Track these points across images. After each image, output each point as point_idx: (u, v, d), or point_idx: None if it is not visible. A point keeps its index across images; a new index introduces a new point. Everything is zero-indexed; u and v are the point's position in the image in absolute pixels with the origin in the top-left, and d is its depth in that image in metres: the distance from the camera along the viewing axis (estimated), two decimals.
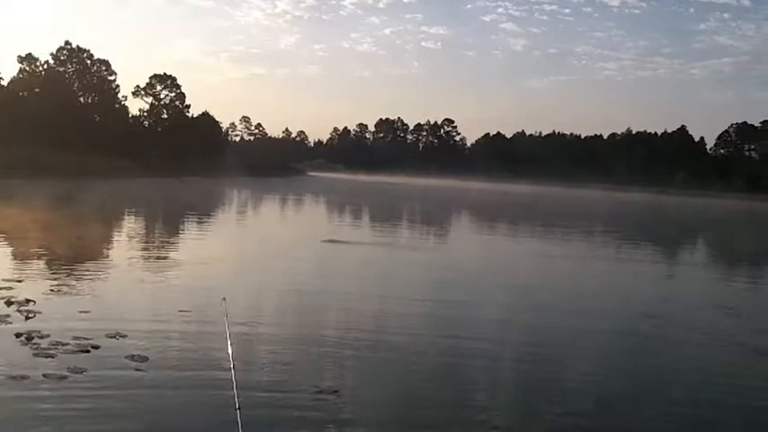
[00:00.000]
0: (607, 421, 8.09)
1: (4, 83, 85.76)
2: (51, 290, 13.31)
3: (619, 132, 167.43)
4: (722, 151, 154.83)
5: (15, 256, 18.41)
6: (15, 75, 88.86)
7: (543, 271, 21.52)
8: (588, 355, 11.08)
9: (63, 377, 8.14)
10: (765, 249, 37.41)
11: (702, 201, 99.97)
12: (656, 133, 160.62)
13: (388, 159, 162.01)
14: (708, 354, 11.76)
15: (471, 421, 7.76)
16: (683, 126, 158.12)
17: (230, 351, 5.78)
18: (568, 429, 7.71)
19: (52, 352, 9.06)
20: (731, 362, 11.22)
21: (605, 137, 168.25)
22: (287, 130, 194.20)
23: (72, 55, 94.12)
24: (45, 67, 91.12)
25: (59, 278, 14.83)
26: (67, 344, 9.43)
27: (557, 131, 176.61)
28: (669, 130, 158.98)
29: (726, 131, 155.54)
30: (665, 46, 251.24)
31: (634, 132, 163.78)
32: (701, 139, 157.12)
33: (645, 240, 36.63)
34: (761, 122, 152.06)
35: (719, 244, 39.89)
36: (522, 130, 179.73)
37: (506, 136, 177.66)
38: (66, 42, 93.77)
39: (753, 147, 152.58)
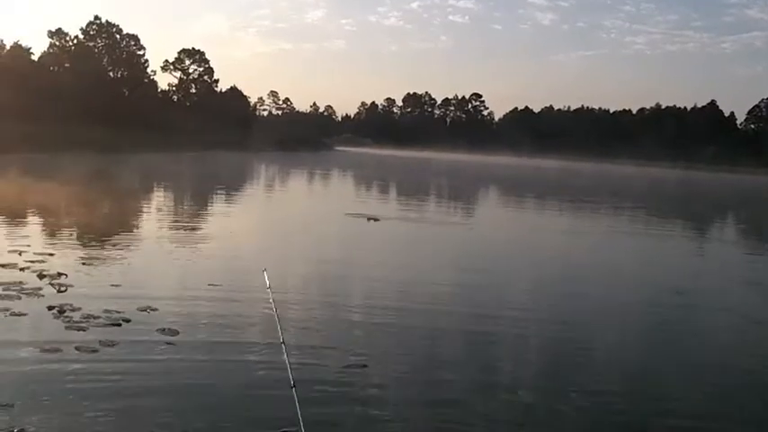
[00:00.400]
0: (634, 400, 8.04)
1: (35, 57, 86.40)
2: (83, 263, 13.46)
3: (648, 107, 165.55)
4: (753, 126, 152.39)
5: (47, 229, 18.63)
6: (46, 50, 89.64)
7: (571, 246, 21.41)
8: (615, 332, 11.02)
9: (94, 350, 8.24)
10: None
11: (733, 176, 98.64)
12: (685, 108, 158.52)
13: (416, 134, 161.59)
14: (737, 331, 11.64)
15: (498, 399, 7.75)
16: (712, 101, 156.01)
17: (279, 332, 5.74)
18: (595, 407, 7.68)
19: (84, 325, 9.18)
20: (762, 340, 11.11)
21: (634, 112, 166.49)
22: (314, 104, 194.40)
23: (101, 30, 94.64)
24: (75, 41, 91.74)
25: (91, 251, 15.01)
26: (99, 317, 9.54)
27: (585, 106, 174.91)
28: (699, 105, 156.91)
29: (756, 106, 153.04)
30: (694, 20, 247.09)
31: (663, 107, 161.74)
32: (732, 114, 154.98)
33: (674, 216, 36.27)
34: None
35: (750, 220, 39.37)
36: (551, 105, 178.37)
37: (534, 111, 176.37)
38: (96, 17, 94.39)
39: None
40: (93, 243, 16.27)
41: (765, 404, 8.24)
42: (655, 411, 7.57)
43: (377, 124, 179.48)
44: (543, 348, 9.99)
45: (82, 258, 13.96)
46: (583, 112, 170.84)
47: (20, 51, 79.98)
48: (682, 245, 24.28)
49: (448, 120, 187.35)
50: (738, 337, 11.29)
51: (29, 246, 14.64)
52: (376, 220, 23.76)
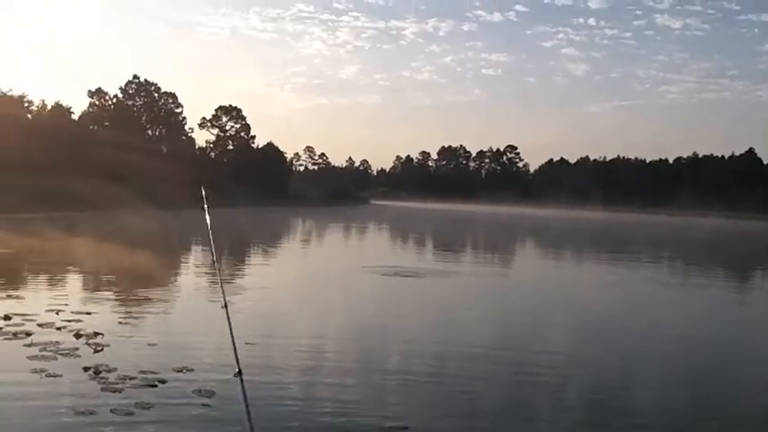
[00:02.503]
0: None
1: (75, 117, 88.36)
2: (119, 322, 13.42)
3: (685, 156, 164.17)
4: None
5: (86, 287, 18.70)
6: (86, 109, 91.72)
7: (610, 297, 20.96)
8: (653, 384, 10.62)
9: (129, 413, 8.09)
10: None
11: None
12: (722, 157, 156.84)
13: (451, 187, 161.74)
14: None
15: None
16: (750, 149, 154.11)
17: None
18: None
19: (119, 386, 9.05)
20: None
21: (671, 161, 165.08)
22: (350, 158, 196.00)
23: (140, 88, 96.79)
24: (114, 101, 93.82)
25: (129, 309, 14.98)
26: (134, 377, 9.42)
27: (621, 156, 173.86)
28: (737, 153, 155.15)
29: None
30: (729, 68, 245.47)
31: (700, 156, 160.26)
32: None
33: (715, 266, 35.50)
34: None
35: None
36: (587, 156, 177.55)
37: (570, 161, 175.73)
38: (135, 76, 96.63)
39: None
40: (131, 301, 16.26)
41: None
42: None
43: (412, 177, 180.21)
44: (582, 400, 9.66)
45: (119, 317, 13.93)
46: (619, 162, 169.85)
47: (60, 111, 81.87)
48: (722, 294, 23.65)
49: (483, 172, 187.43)
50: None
51: (66, 304, 14.68)
52: (411, 275, 23.54)
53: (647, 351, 13.38)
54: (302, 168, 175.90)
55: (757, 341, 15.58)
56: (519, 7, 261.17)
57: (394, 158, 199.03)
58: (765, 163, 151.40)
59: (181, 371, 9.92)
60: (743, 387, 11.16)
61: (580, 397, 10.08)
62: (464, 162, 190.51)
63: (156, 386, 9.18)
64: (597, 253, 41.06)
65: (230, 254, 32.85)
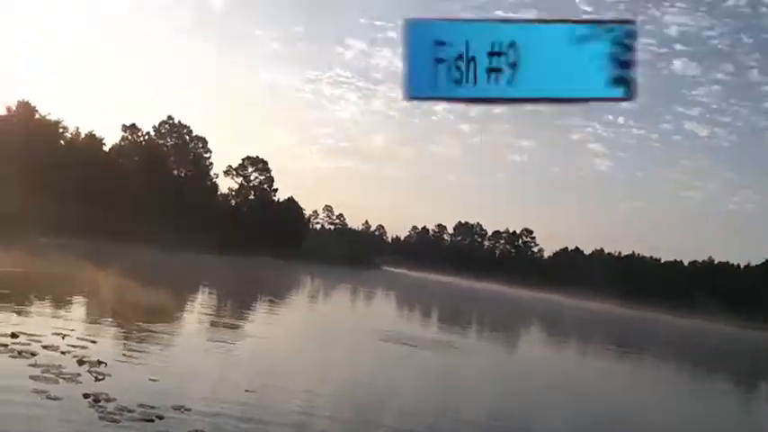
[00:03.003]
0: None
1: (106, 148, 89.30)
2: (124, 354, 13.55)
3: (700, 260, 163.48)
4: None
5: (94, 317, 18.87)
6: (117, 142, 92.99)
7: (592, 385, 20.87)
8: None
9: None
10: None
11: None
12: (738, 265, 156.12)
13: (464, 263, 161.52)
14: None
15: None
16: (767, 260, 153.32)
17: None
18: None
19: (117, 417, 9.15)
20: None
21: (686, 263, 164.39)
22: (366, 222, 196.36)
23: (173, 129, 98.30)
24: (146, 138, 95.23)
25: (133, 343, 15.11)
26: (133, 410, 9.51)
27: (636, 253, 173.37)
28: (753, 264, 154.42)
29: None
30: (751, 180, 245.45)
31: (716, 262, 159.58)
32: None
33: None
34: None
35: None
36: (602, 248, 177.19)
37: (585, 252, 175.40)
38: (169, 117, 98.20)
39: None
40: (137, 336, 16.39)
41: None
42: None
43: (426, 248, 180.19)
44: None
45: (124, 348, 14.06)
46: (633, 259, 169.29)
47: (93, 141, 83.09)
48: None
49: (497, 252, 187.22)
50: None
51: (73, 330, 14.84)
52: (413, 345, 23.56)
53: None
54: (319, 227, 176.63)
55: None
56: None
57: (410, 228, 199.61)
58: None
59: (179, 409, 10.01)
60: None
61: None
62: (479, 240, 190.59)
63: (153, 421, 9.28)
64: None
65: (237, 303, 32.98)
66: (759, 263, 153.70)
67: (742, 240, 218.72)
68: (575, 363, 30.00)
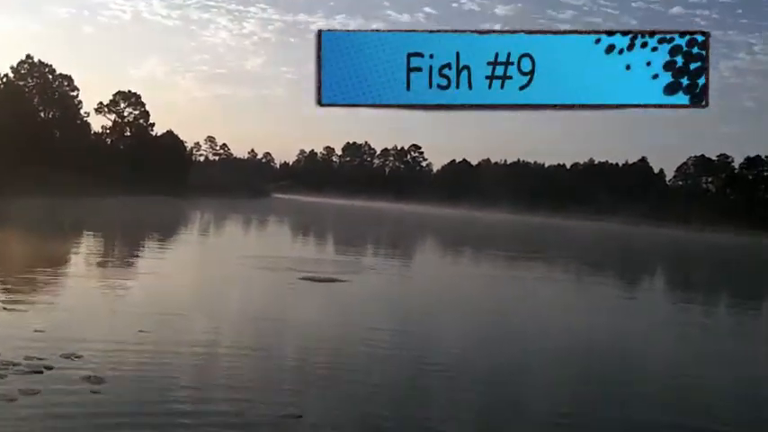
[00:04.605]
0: None
1: None
2: (4, 307, 12.87)
3: (581, 162, 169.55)
4: (680, 183, 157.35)
5: None
6: None
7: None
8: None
9: (13, 399, 7.77)
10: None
11: (661, 231, 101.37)
12: (617, 164, 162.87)
13: (354, 183, 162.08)
14: None
15: None
16: (643, 158, 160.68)
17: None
18: None
19: (2, 372, 8.67)
20: None
21: (568, 166, 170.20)
22: (252, 150, 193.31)
23: (33, 69, 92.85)
24: (4, 80, 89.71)
25: (13, 295, 14.38)
26: (19, 364, 9.03)
27: (521, 160, 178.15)
28: (630, 162, 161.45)
29: (684, 164, 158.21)
30: None
31: (596, 162, 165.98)
32: (661, 170, 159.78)
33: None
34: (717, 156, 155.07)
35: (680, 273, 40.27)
36: (488, 158, 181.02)
37: (472, 163, 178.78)
38: (28, 56, 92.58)
39: (710, 180, 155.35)
40: (17, 287, 15.60)
41: None
42: None
43: (316, 172, 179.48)
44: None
45: (4, 301, 13.35)
46: (519, 166, 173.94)
47: None
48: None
49: (387, 170, 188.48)
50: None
51: None
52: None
53: None
54: (203, 159, 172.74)
55: None
56: (428, 9, 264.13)
57: (297, 152, 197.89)
58: (656, 172, 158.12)
59: (69, 357, 9.58)
60: None
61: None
62: (369, 159, 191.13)
63: (42, 372, 8.83)
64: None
65: (123, 243, 32.05)
66: (635, 161, 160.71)
67: (621, 140, 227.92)
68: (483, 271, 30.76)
